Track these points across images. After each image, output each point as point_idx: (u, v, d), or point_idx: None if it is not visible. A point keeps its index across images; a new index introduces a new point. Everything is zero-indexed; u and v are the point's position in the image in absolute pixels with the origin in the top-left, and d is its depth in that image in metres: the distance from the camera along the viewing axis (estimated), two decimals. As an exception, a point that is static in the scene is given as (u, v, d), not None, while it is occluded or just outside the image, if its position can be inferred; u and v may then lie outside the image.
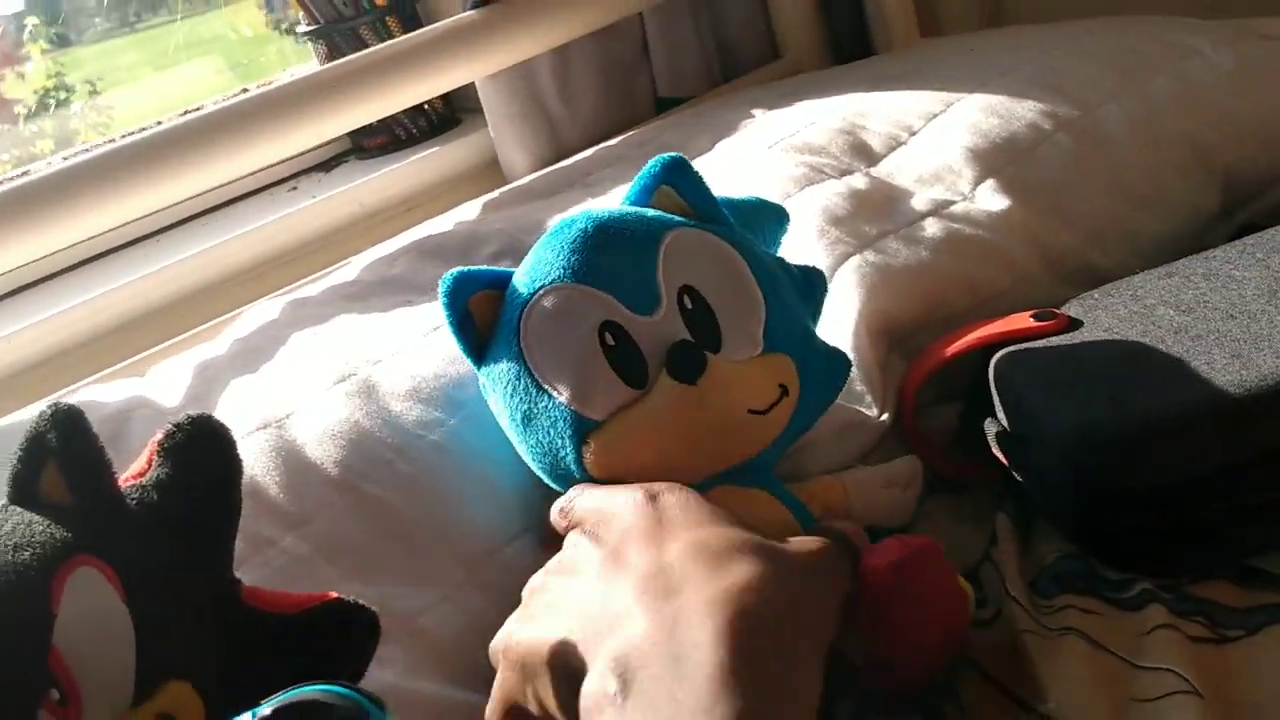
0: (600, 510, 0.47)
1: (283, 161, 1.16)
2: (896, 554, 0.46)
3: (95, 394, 0.73)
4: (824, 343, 0.56)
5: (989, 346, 0.64)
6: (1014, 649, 0.53)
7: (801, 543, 0.45)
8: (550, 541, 0.53)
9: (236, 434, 0.49)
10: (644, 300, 0.51)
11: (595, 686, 0.39)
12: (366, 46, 1.13)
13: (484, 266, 0.56)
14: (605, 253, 0.52)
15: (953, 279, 0.71)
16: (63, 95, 1.39)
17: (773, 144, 0.85)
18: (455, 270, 0.54)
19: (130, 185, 0.84)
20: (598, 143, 1.06)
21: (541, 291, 0.52)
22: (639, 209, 0.56)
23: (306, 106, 0.91)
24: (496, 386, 0.54)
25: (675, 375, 0.49)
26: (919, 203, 0.76)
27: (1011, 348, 0.63)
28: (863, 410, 0.64)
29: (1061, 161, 0.79)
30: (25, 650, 0.41)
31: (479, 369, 0.56)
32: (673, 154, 0.57)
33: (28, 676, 0.41)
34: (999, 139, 0.80)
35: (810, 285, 0.58)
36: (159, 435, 0.48)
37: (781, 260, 0.58)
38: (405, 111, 1.16)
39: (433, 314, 0.71)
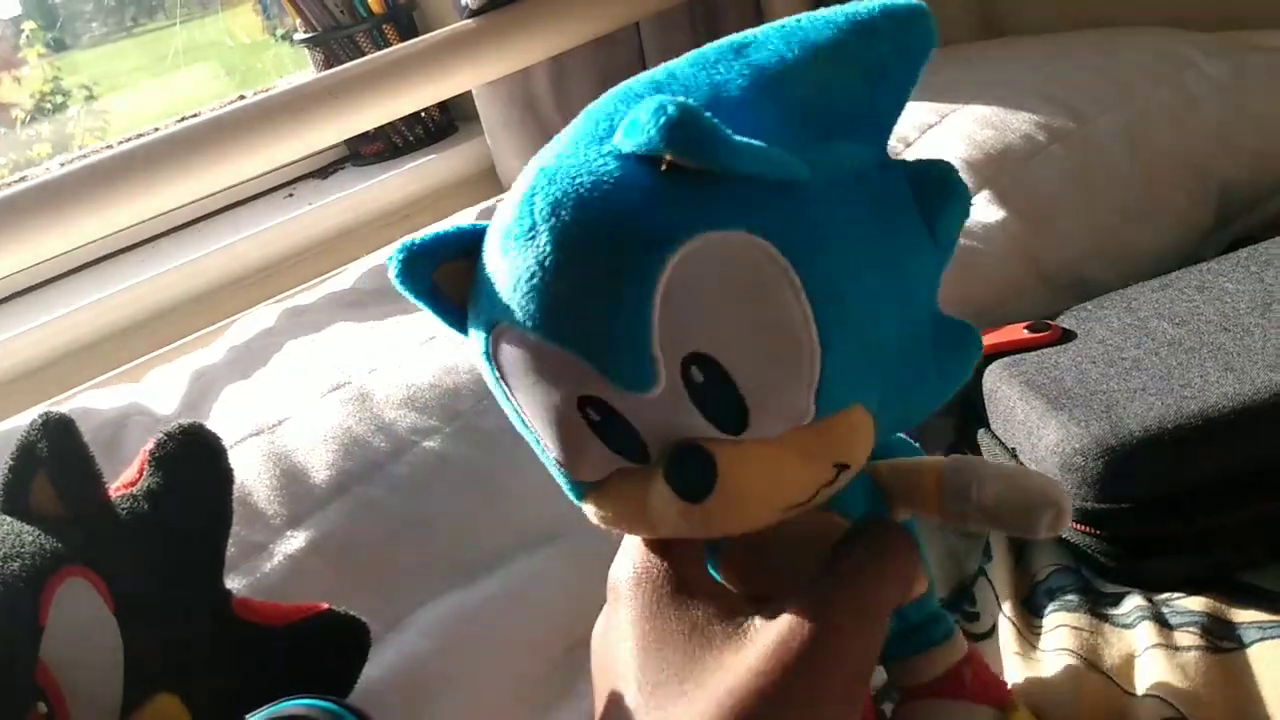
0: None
1: (279, 168, 1.16)
2: None
3: (91, 400, 0.73)
4: (931, 319, 0.37)
5: (983, 358, 0.64)
6: (1000, 672, 0.53)
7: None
8: None
9: (229, 441, 0.49)
10: (633, 375, 0.33)
11: None
12: (363, 54, 1.14)
13: (443, 230, 0.38)
14: (577, 297, 0.32)
15: (946, 290, 0.71)
16: (59, 99, 1.39)
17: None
18: (405, 243, 0.38)
19: (127, 191, 0.84)
20: (594, 151, 1.06)
21: (502, 326, 0.35)
22: (629, 181, 0.33)
23: (304, 113, 0.91)
24: (483, 369, 0.39)
25: (676, 490, 0.34)
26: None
27: (1005, 359, 0.63)
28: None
29: (1056, 173, 0.79)
30: (12, 663, 0.41)
31: (465, 334, 0.40)
32: (665, 101, 0.31)
33: (15, 689, 0.41)
34: (994, 150, 0.80)
35: (932, 199, 0.36)
36: (150, 445, 0.48)
37: (880, 184, 0.35)
38: (402, 119, 1.16)
39: (429, 323, 0.71)
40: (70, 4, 1.44)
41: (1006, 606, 0.56)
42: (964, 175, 0.78)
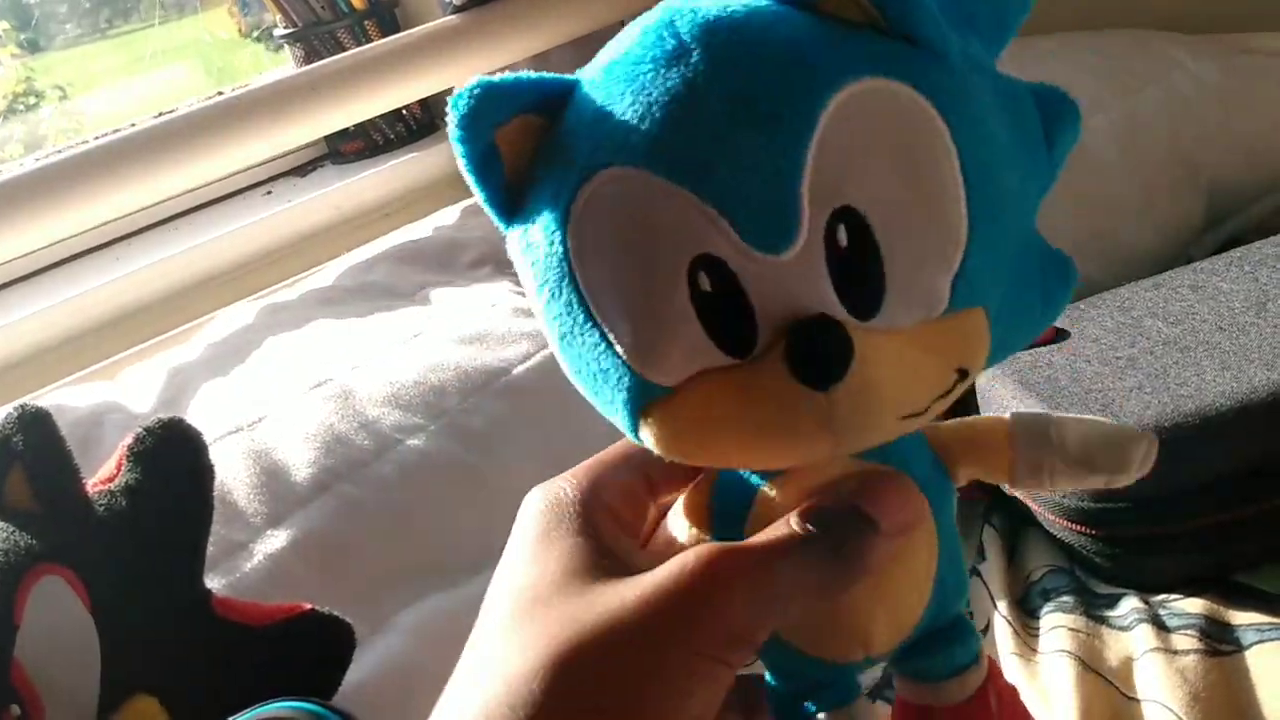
0: None
1: (258, 165, 1.15)
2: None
3: (65, 398, 0.71)
4: (1040, 243, 0.34)
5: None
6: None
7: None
8: None
9: (207, 438, 0.48)
10: (772, 227, 0.28)
11: None
12: (344, 50, 1.12)
13: (526, 74, 0.32)
14: (727, 125, 0.28)
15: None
16: (32, 100, 1.37)
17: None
18: (479, 79, 0.31)
19: (103, 187, 0.82)
20: (577, 150, 1.05)
21: (606, 172, 0.29)
22: (786, 15, 0.30)
23: (284, 110, 0.89)
24: (530, 267, 0.33)
25: (799, 372, 0.29)
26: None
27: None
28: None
29: (1047, 173, 0.78)
30: (-15, 662, 0.40)
31: (507, 226, 0.34)
32: None
33: (-13, 689, 0.40)
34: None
35: (1056, 115, 0.33)
36: (128, 440, 0.47)
37: (1008, 87, 0.32)
38: (382, 117, 1.14)
39: (412, 320, 0.70)
40: (45, 5, 1.43)
41: (1002, 606, 0.55)
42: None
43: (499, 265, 0.79)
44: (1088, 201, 0.78)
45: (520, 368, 0.64)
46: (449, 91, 0.96)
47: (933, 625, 0.35)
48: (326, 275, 0.83)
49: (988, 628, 0.55)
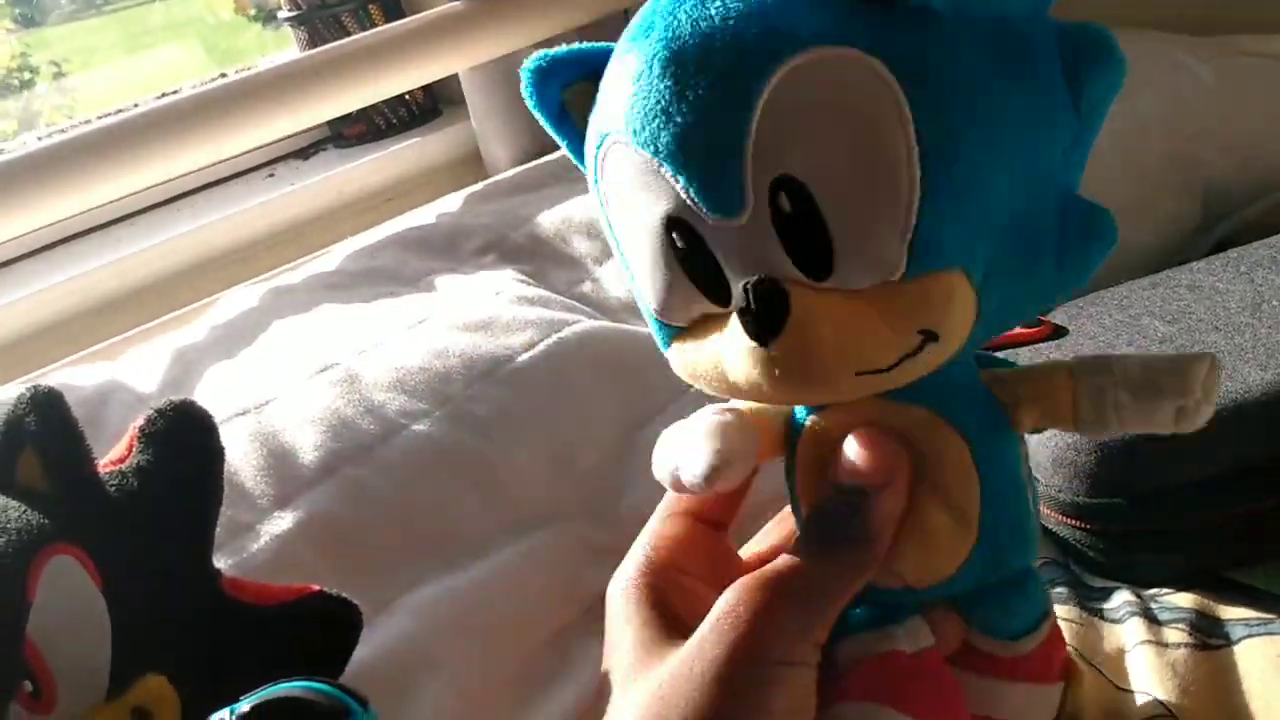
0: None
1: (260, 148, 1.15)
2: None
3: (68, 378, 0.72)
4: (1062, 198, 0.33)
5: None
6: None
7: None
8: None
9: (215, 420, 0.48)
10: (721, 195, 0.31)
11: None
12: (348, 33, 1.12)
13: (576, 46, 0.37)
14: (677, 102, 0.31)
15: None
16: (26, 76, 1.36)
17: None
18: (537, 56, 0.37)
19: (108, 168, 0.82)
20: (581, 138, 1.06)
21: (611, 139, 0.33)
22: None
23: (289, 93, 0.89)
24: (593, 199, 0.37)
25: (745, 327, 0.32)
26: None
27: (997, 354, 0.63)
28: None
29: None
30: (-1, 639, 0.40)
31: (583, 166, 0.38)
32: None
33: (1, 666, 0.40)
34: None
35: (1081, 61, 0.32)
36: (140, 421, 0.47)
37: (1021, 39, 0.32)
38: (385, 101, 1.15)
39: (417, 306, 0.70)
40: (39, -20, 1.42)
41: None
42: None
43: (503, 253, 0.80)
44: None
45: (524, 355, 0.65)
46: (452, 77, 0.96)
47: (991, 575, 0.36)
48: (331, 259, 0.83)
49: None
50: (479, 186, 0.95)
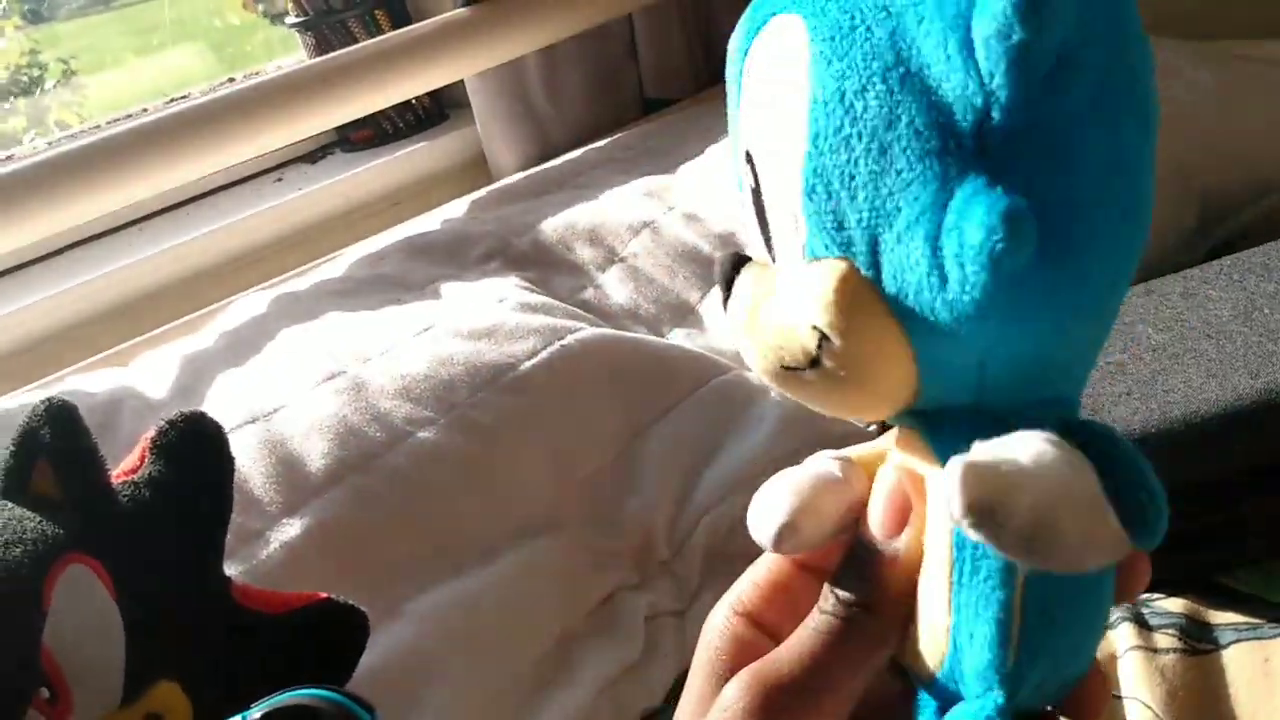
0: None
1: (269, 152, 1.16)
2: None
3: (79, 383, 0.73)
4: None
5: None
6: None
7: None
8: None
9: (225, 428, 0.49)
10: (736, 175, 0.31)
11: None
12: (355, 39, 1.13)
13: None
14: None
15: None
16: (35, 73, 1.37)
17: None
18: None
19: (118, 174, 0.84)
20: (585, 143, 1.07)
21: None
22: None
23: (298, 99, 0.91)
24: None
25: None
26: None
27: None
28: (851, 420, 0.65)
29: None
30: (16, 648, 0.42)
31: None
32: None
33: (18, 674, 0.41)
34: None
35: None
36: (151, 433, 0.49)
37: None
38: (392, 106, 1.16)
39: (422, 314, 0.71)
40: (51, -25, 1.42)
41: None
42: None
43: (507, 260, 0.81)
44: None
45: (528, 363, 0.66)
46: (458, 82, 0.97)
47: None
48: (338, 266, 0.84)
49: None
50: (483, 192, 0.96)
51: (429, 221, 0.90)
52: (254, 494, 0.58)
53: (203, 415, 0.49)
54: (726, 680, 0.34)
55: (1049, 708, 0.31)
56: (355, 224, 1.11)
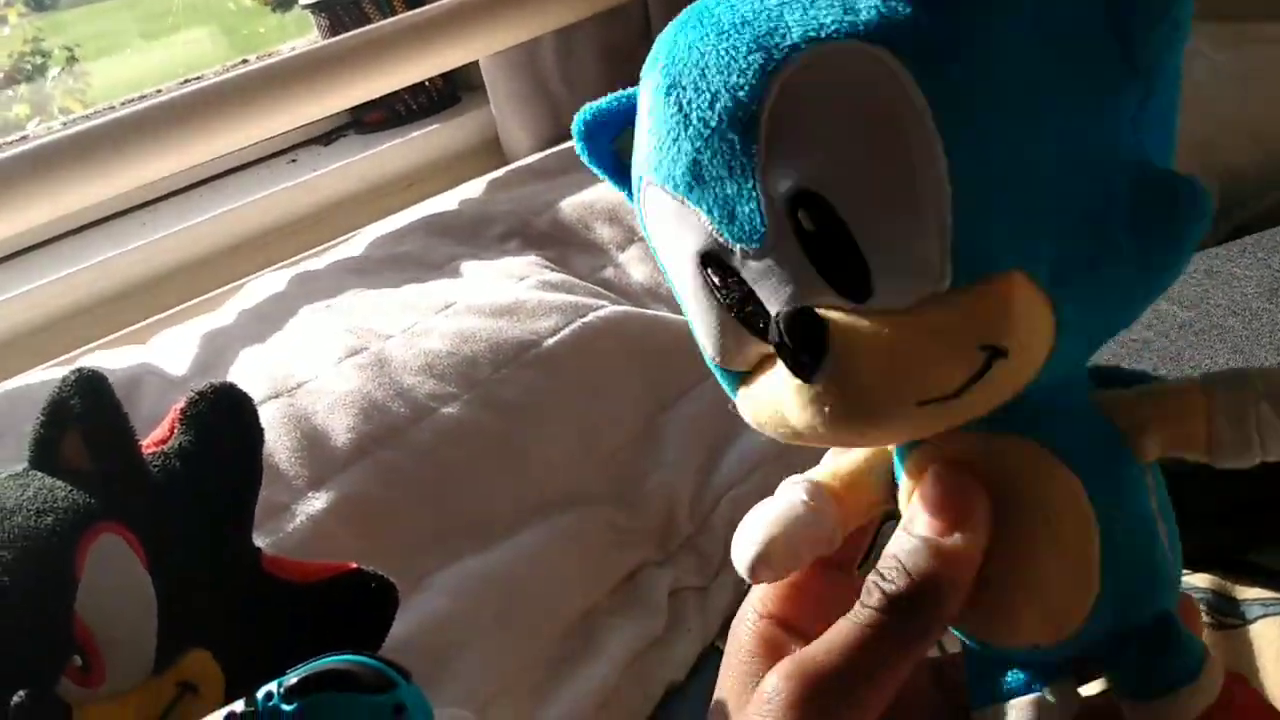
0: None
1: (282, 134, 1.16)
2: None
3: (99, 360, 0.73)
4: (1135, 176, 0.28)
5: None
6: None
7: None
8: None
9: (250, 403, 0.49)
10: (741, 224, 0.28)
11: None
12: (369, 20, 1.13)
13: (620, 93, 0.34)
14: (683, 128, 0.29)
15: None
16: (39, 60, 1.37)
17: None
18: (583, 111, 0.34)
19: (135, 153, 0.83)
20: (600, 124, 1.06)
21: (644, 180, 0.31)
22: None
23: (313, 80, 0.90)
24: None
25: (787, 365, 0.28)
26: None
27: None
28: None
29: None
30: (49, 616, 0.42)
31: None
32: None
33: (51, 642, 0.41)
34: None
35: (1129, 9, 0.27)
36: (181, 403, 0.49)
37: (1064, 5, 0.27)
38: (405, 88, 1.16)
39: (443, 292, 0.71)
40: (53, -38, 1.42)
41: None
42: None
43: (526, 239, 0.81)
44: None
45: (550, 340, 0.66)
46: (471, 64, 0.96)
47: (1121, 625, 0.31)
48: (356, 245, 0.84)
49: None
50: (501, 173, 0.96)
51: (447, 201, 0.90)
52: (279, 468, 0.58)
53: (232, 386, 0.49)
54: (760, 660, 0.34)
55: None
56: (368, 206, 1.11)
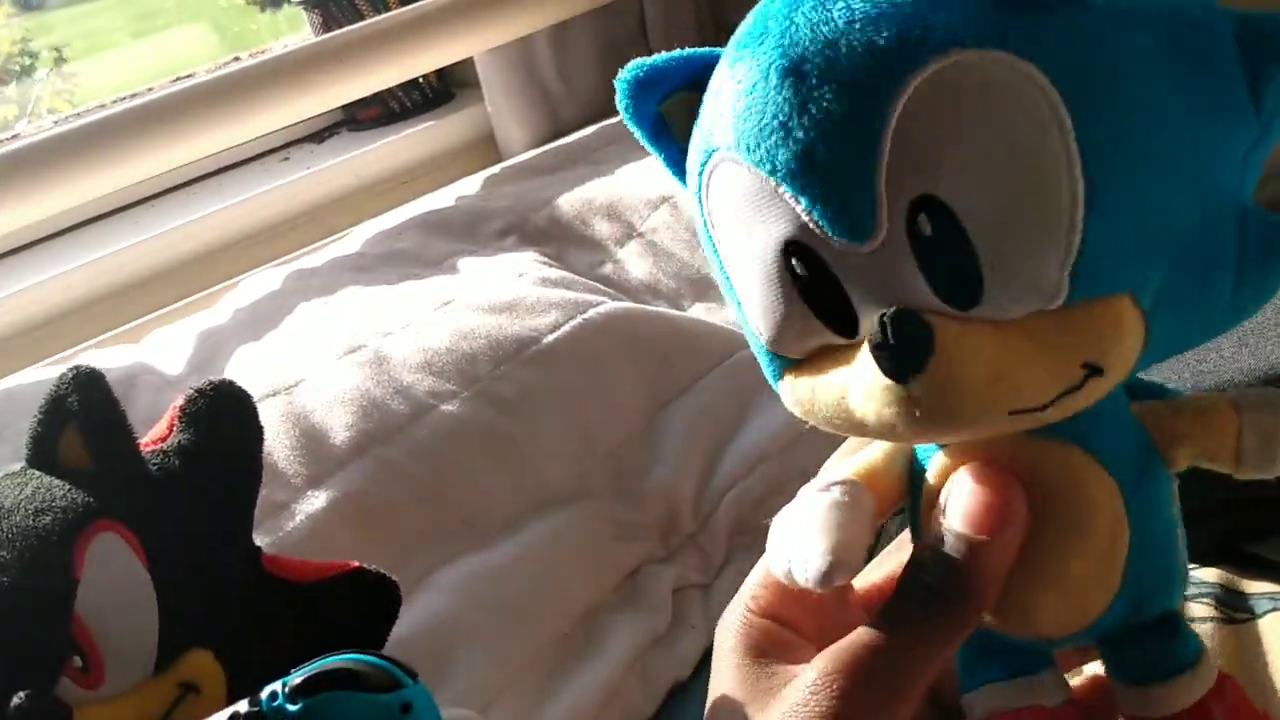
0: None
1: (275, 131, 1.15)
2: None
3: (93, 359, 0.72)
4: (1241, 211, 0.29)
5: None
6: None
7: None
8: None
9: (248, 401, 0.49)
10: (849, 219, 0.28)
11: None
12: (361, 16, 1.13)
13: (677, 52, 0.33)
14: (795, 116, 0.28)
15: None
16: (27, 61, 1.36)
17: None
18: (635, 63, 0.33)
19: (127, 151, 0.83)
20: (595, 120, 1.06)
21: (719, 155, 0.30)
22: None
23: (307, 77, 0.90)
24: (695, 218, 0.34)
25: (880, 364, 0.28)
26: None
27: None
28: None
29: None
30: (48, 616, 0.41)
31: (685, 188, 0.35)
32: None
33: (50, 642, 0.41)
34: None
35: (1264, 55, 0.28)
36: (180, 401, 0.48)
37: (1193, 30, 0.28)
38: (399, 84, 1.15)
39: (441, 289, 0.71)
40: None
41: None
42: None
43: (524, 236, 0.81)
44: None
45: (550, 337, 0.66)
46: (465, 60, 0.96)
47: (1131, 620, 0.32)
48: (353, 242, 0.84)
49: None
50: (497, 169, 0.95)
51: (444, 198, 0.90)
52: (278, 466, 0.58)
53: (232, 384, 0.48)
54: (760, 657, 0.34)
55: None
56: (363, 203, 1.11)
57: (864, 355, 0.28)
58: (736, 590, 0.38)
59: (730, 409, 0.65)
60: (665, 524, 0.63)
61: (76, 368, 0.47)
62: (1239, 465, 0.31)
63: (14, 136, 1.12)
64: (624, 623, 0.58)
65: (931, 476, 0.32)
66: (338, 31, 0.96)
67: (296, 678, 0.38)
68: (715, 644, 0.37)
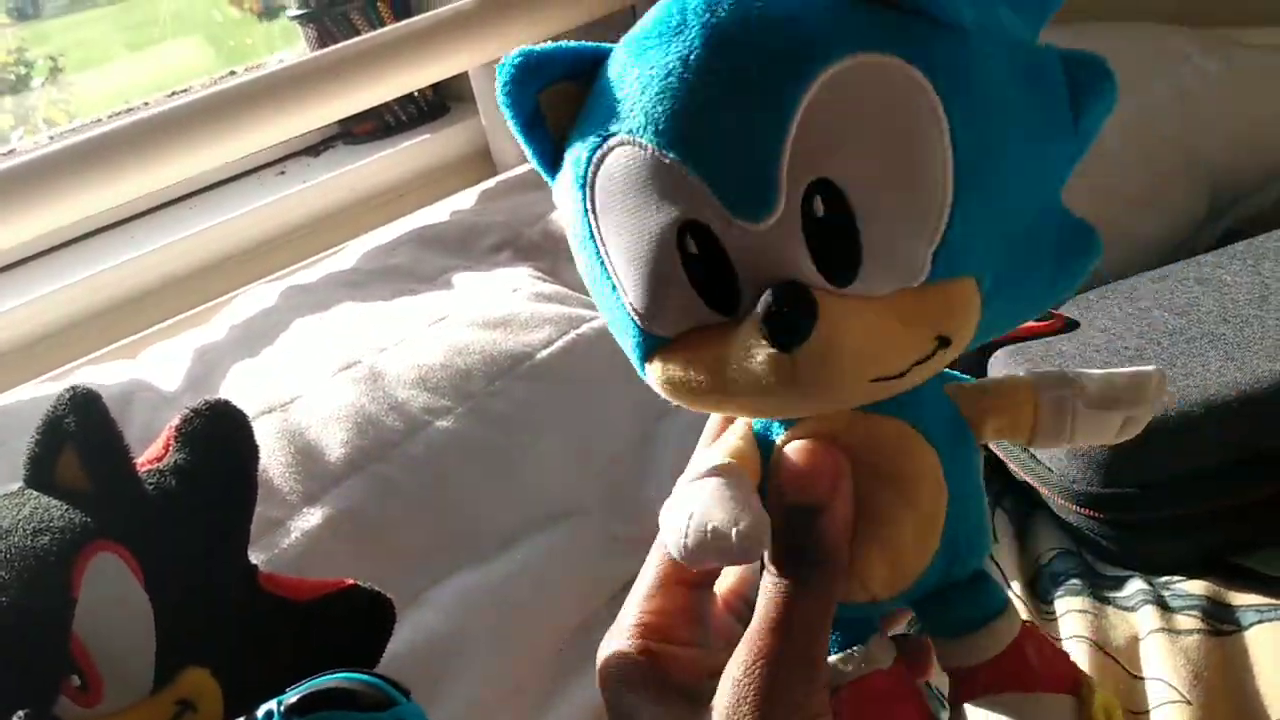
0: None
1: (271, 146, 1.16)
2: None
3: (89, 376, 0.73)
4: (1061, 213, 0.34)
5: (988, 347, 0.65)
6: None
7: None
8: None
9: (243, 418, 0.49)
10: (751, 197, 0.31)
11: None
12: (357, 31, 1.13)
13: (560, 44, 0.35)
14: (714, 100, 0.30)
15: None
16: (22, 71, 1.36)
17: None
18: (520, 50, 0.35)
19: (123, 167, 0.83)
20: (590, 134, 1.06)
21: (616, 139, 0.32)
22: None
23: (302, 92, 0.90)
24: (567, 219, 0.36)
25: (767, 332, 0.31)
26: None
27: (1010, 347, 0.64)
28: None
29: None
30: (46, 635, 0.42)
31: (552, 181, 0.37)
32: None
33: (48, 661, 0.41)
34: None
35: (1086, 84, 0.33)
36: (176, 421, 0.48)
37: (1032, 56, 0.33)
38: (395, 99, 1.16)
39: (436, 304, 0.71)
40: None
41: (1016, 586, 0.58)
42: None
43: (518, 251, 0.81)
44: (1099, 193, 0.79)
45: (544, 352, 0.66)
46: (460, 74, 0.96)
47: (946, 579, 0.35)
48: (347, 257, 0.84)
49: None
50: (491, 183, 0.96)
51: (438, 213, 0.90)
52: (273, 483, 0.58)
53: (227, 403, 0.49)
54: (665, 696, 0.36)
55: None
56: (359, 217, 1.11)
57: (746, 327, 0.31)
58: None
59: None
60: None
61: (74, 388, 0.47)
62: (1034, 436, 0.35)
63: (10, 151, 1.12)
64: (618, 637, 0.58)
65: (777, 454, 0.35)
66: (333, 47, 0.96)
67: (292, 696, 0.39)
68: (606, 675, 0.39)
